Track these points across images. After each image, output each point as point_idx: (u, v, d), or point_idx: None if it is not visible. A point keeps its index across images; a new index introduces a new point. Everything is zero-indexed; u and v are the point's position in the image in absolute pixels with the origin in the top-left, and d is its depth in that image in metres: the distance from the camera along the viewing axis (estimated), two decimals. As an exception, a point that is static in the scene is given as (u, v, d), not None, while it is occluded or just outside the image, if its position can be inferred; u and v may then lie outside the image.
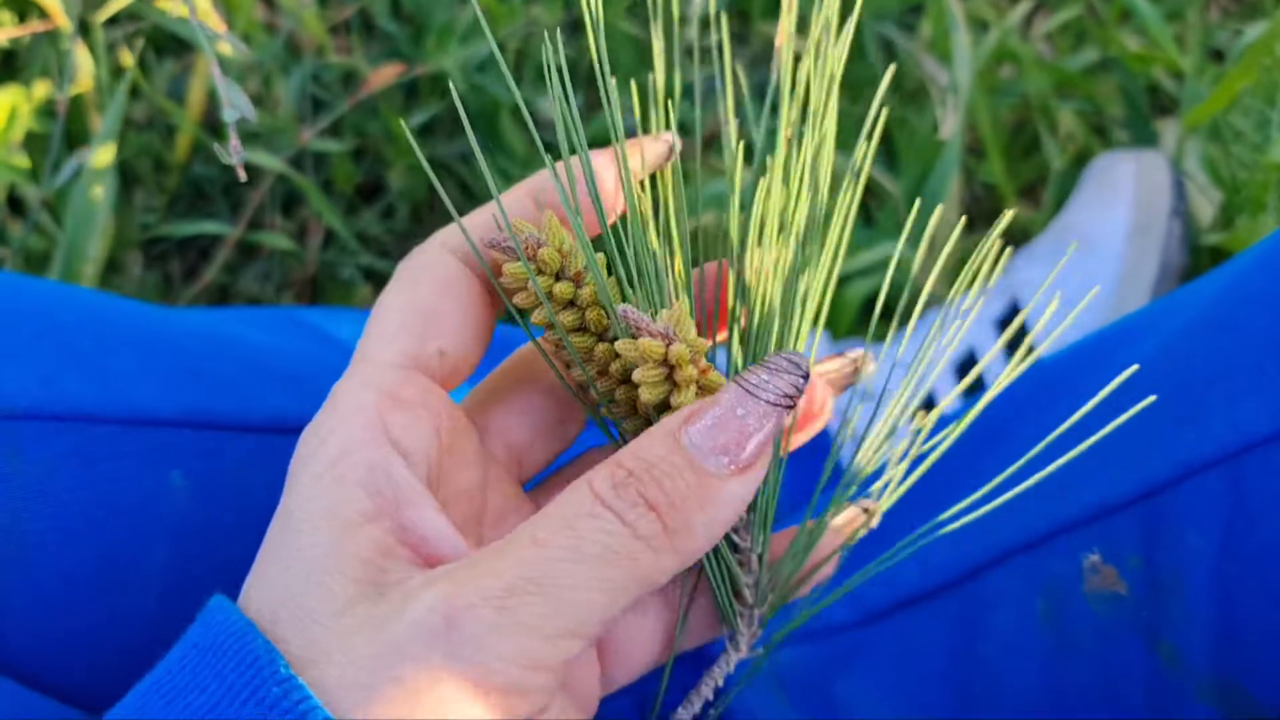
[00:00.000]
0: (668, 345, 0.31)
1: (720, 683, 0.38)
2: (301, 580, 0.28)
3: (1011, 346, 0.77)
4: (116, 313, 0.48)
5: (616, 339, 0.33)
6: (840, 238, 0.37)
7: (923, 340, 0.78)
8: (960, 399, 0.75)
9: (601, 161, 0.35)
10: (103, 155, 0.68)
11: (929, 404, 0.75)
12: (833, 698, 0.53)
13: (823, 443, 0.72)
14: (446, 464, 0.33)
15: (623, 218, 0.35)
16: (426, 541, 0.30)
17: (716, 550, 0.35)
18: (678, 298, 0.35)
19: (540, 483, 0.38)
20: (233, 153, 0.46)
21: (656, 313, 0.34)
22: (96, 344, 0.46)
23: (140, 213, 0.83)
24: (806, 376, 0.29)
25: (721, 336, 0.37)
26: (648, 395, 0.31)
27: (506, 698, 0.27)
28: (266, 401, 0.47)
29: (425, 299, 0.33)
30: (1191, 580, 0.45)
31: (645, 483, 0.28)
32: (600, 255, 0.34)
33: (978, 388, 0.76)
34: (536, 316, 0.34)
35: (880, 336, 0.83)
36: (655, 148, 0.36)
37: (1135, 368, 0.37)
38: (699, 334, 0.37)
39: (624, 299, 0.34)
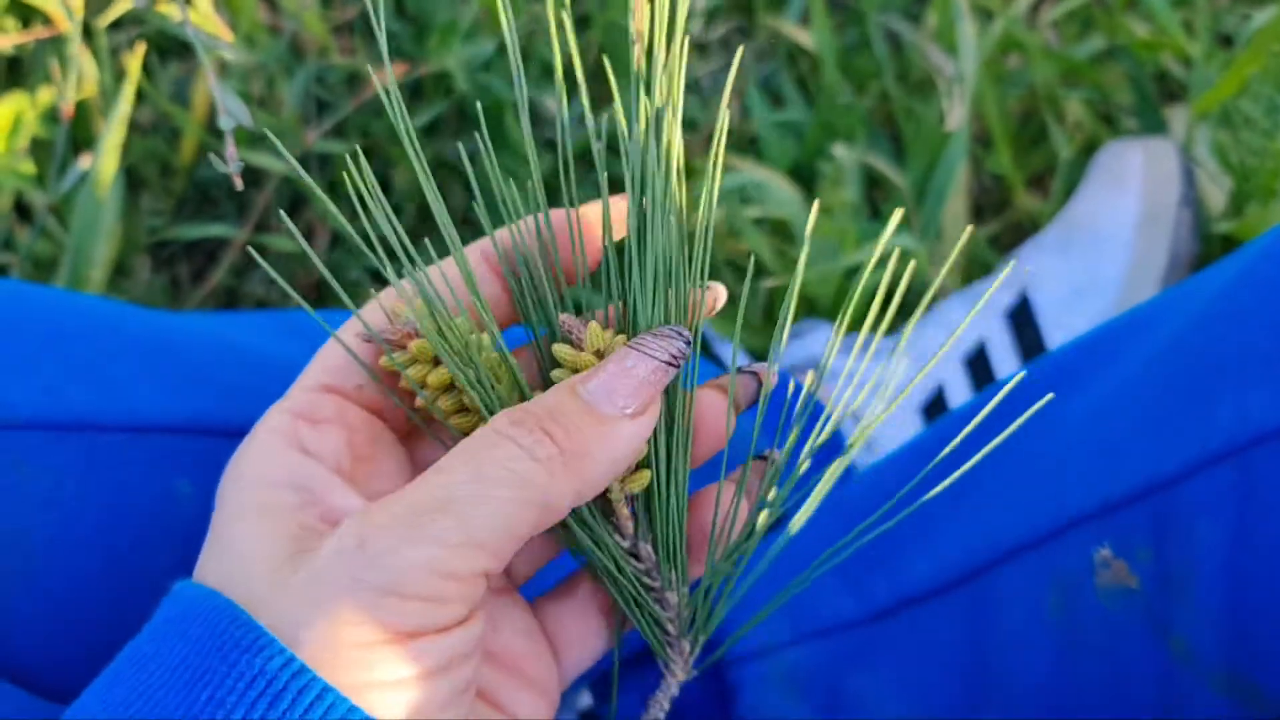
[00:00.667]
0: (576, 353, 0.34)
1: (667, 707, 0.40)
2: (240, 559, 0.31)
3: (1022, 337, 0.77)
4: (120, 320, 0.48)
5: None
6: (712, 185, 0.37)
7: (931, 335, 0.78)
8: (969, 390, 0.75)
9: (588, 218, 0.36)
10: (107, 159, 0.69)
11: (939, 396, 0.75)
12: (844, 694, 0.52)
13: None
14: (363, 470, 0.35)
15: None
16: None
17: (636, 596, 0.38)
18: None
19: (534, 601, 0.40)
20: (229, 160, 0.46)
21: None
22: (100, 352, 0.46)
23: (147, 216, 0.83)
24: (689, 343, 0.33)
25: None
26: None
27: (423, 604, 0.29)
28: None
29: (349, 342, 0.36)
30: (1203, 573, 0.44)
31: (543, 418, 0.31)
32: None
33: (986, 380, 0.75)
34: (422, 402, 0.35)
35: (889, 331, 0.83)
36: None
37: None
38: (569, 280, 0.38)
39: (511, 376, 0.35)
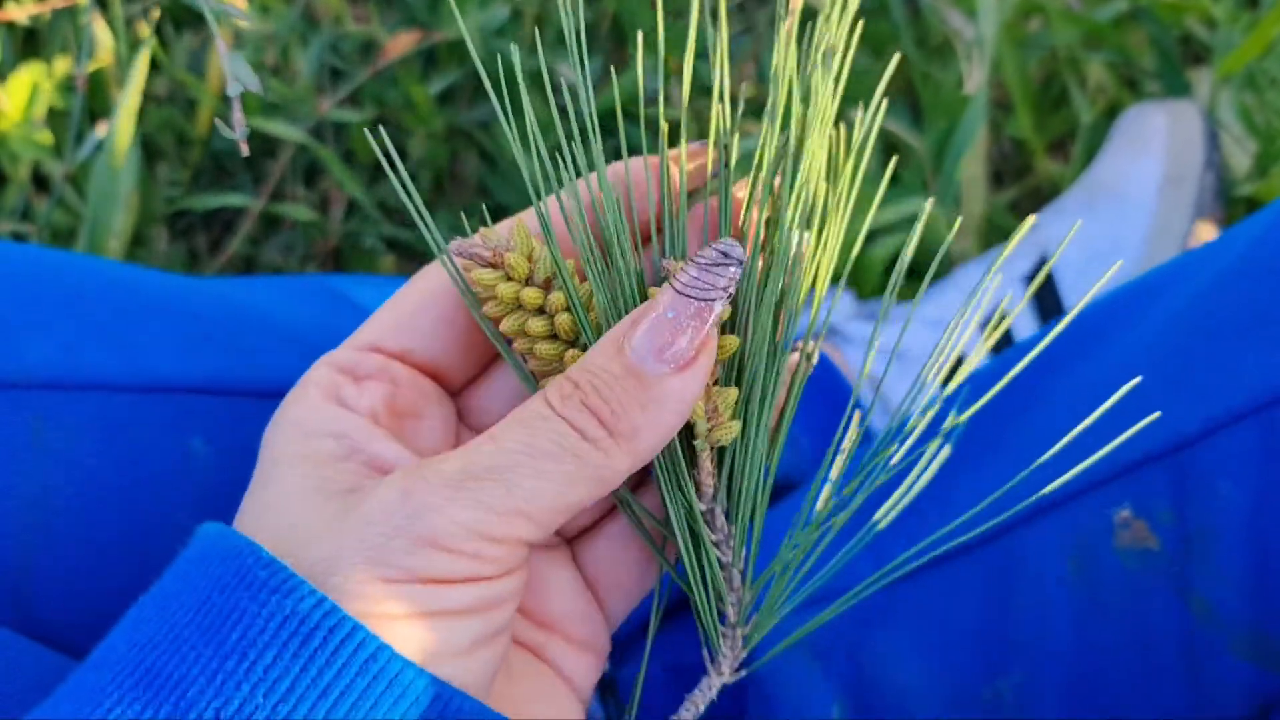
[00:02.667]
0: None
1: (701, 708, 0.38)
2: (279, 499, 0.31)
3: (1040, 302, 0.76)
4: (138, 282, 0.48)
5: (586, 346, 0.34)
6: (850, 190, 0.36)
7: (949, 300, 0.77)
8: (989, 355, 0.74)
9: (638, 169, 0.35)
10: (123, 127, 0.69)
11: (959, 362, 0.74)
12: (863, 656, 0.52)
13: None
14: (408, 425, 0.35)
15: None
16: (396, 468, 0.33)
17: (702, 566, 0.36)
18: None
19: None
20: (236, 127, 0.46)
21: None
22: (117, 313, 0.46)
23: (164, 187, 0.83)
24: (740, 263, 0.31)
25: None
26: (506, 326, 0.33)
27: (461, 558, 0.29)
28: (286, 367, 0.48)
29: (405, 303, 0.35)
30: (1224, 532, 0.44)
31: (588, 392, 0.30)
32: (571, 263, 0.34)
33: (1006, 344, 0.75)
34: (509, 324, 0.34)
35: (907, 295, 0.82)
36: (695, 160, 0.36)
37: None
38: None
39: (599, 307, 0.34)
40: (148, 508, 0.43)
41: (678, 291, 0.30)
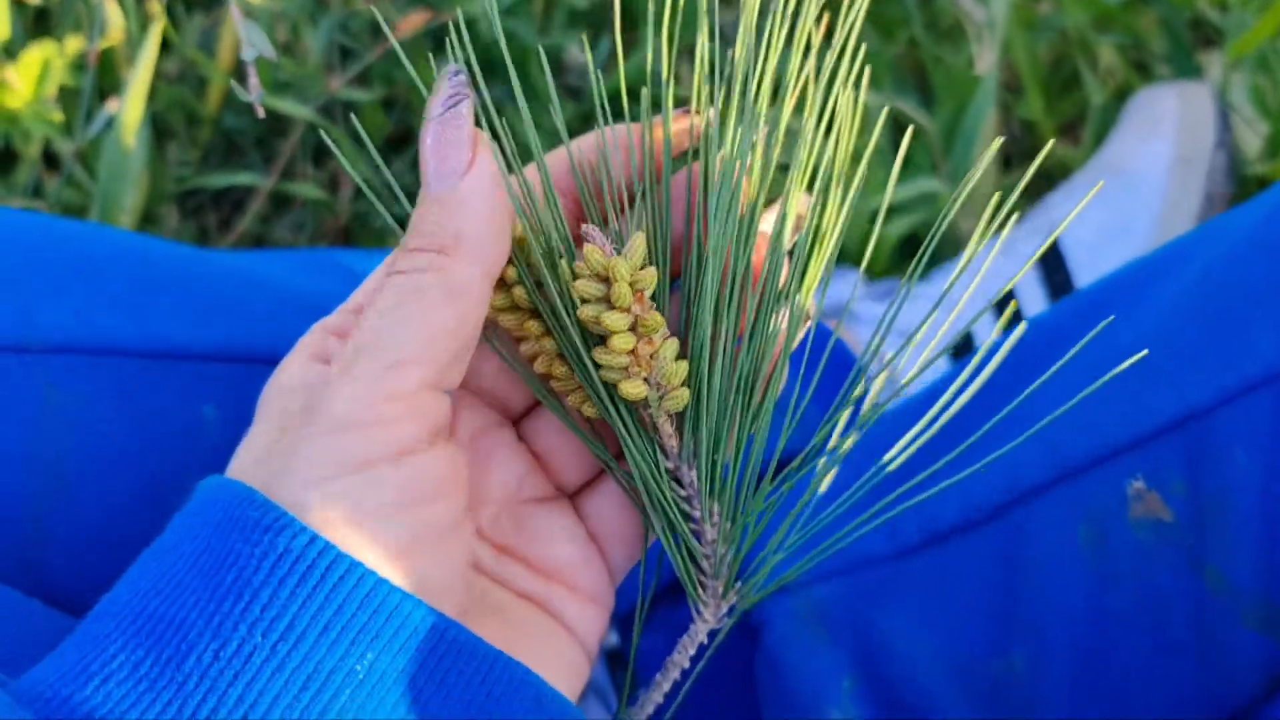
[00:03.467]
0: (609, 257, 0.32)
1: (693, 651, 0.39)
2: (248, 454, 0.31)
3: (1050, 282, 0.76)
4: (150, 251, 0.48)
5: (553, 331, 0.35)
6: (849, 157, 0.37)
7: (957, 278, 0.77)
8: (999, 332, 0.74)
9: (593, 148, 0.36)
10: (132, 104, 0.69)
11: (968, 340, 0.74)
12: (871, 631, 0.52)
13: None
14: None
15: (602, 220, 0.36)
16: None
17: (672, 525, 0.37)
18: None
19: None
20: (251, 91, 0.46)
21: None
22: (130, 280, 0.46)
23: (174, 166, 0.83)
24: (458, 73, 0.32)
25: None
26: (584, 312, 0.33)
27: (372, 429, 0.30)
28: (298, 335, 0.48)
29: None
30: (1238, 503, 0.44)
31: (409, 239, 0.32)
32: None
33: (1015, 322, 0.75)
34: (503, 320, 0.35)
35: (918, 274, 0.82)
36: (676, 125, 0.37)
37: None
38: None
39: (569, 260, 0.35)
40: (160, 472, 0.43)
41: (430, 120, 0.32)
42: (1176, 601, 0.46)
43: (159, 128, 0.84)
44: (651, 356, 0.34)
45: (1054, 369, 0.37)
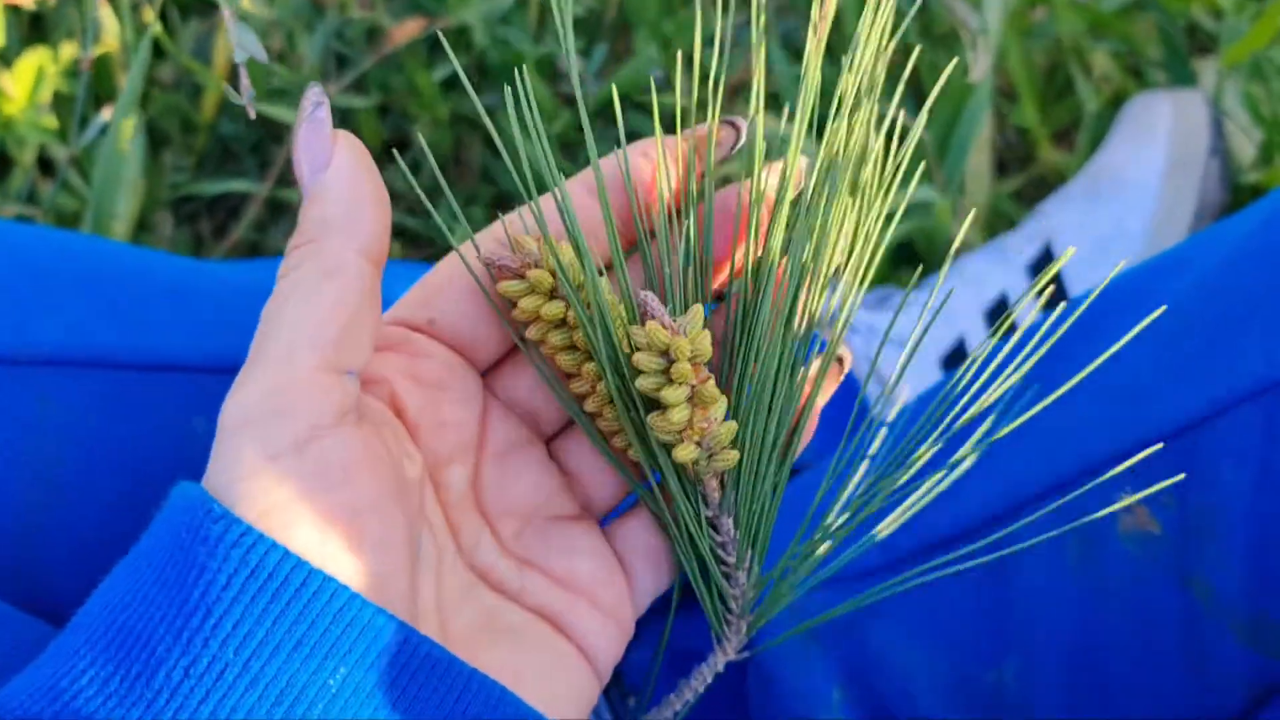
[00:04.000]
0: (672, 335, 0.33)
1: (710, 679, 0.40)
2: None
3: (1044, 296, 0.76)
4: (145, 263, 0.48)
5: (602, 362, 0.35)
6: (877, 190, 0.37)
7: (951, 288, 0.77)
8: (991, 341, 0.74)
9: (639, 157, 0.36)
10: (127, 110, 0.69)
11: (960, 349, 0.74)
12: (863, 641, 0.52)
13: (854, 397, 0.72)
14: (432, 395, 0.36)
15: (649, 234, 0.37)
16: None
17: (704, 566, 0.38)
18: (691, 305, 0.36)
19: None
20: (242, 91, 0.47)
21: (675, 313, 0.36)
22: (126, 294, 0.46)
23: (170, 173, 0.83)
24: (315, 86, 0.34)
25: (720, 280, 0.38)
26: (643, 383, 0.34)
27: (279, 419, 0.30)
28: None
29: (433, 279, 0.37)
30: (1227, 517, 0.44)
31: (289, 243, 0.33)
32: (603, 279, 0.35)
33: (1009, 331, 0.75)
34: (533, 333, 0.36)
35: (907, 283, 0.82)
36: (722, 134, 0.37)
37: (1162, 309, 0.38)
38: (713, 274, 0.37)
39: (630, 314, 0.35)
40: (152, 485, 0.43)
41: (297, 130, 0.33)
42: (1165, 615, 0.46)
43: (154, 135, 0.84)
44: (705, 425, 0.35)
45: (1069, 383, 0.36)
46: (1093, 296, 0.37)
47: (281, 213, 0.86)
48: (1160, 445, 0.46)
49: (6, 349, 0.43)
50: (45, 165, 0.81)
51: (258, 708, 0.27)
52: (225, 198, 0.87)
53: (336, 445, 0.30)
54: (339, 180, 0.32)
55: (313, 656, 0.28)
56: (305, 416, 0.30)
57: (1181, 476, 0.38)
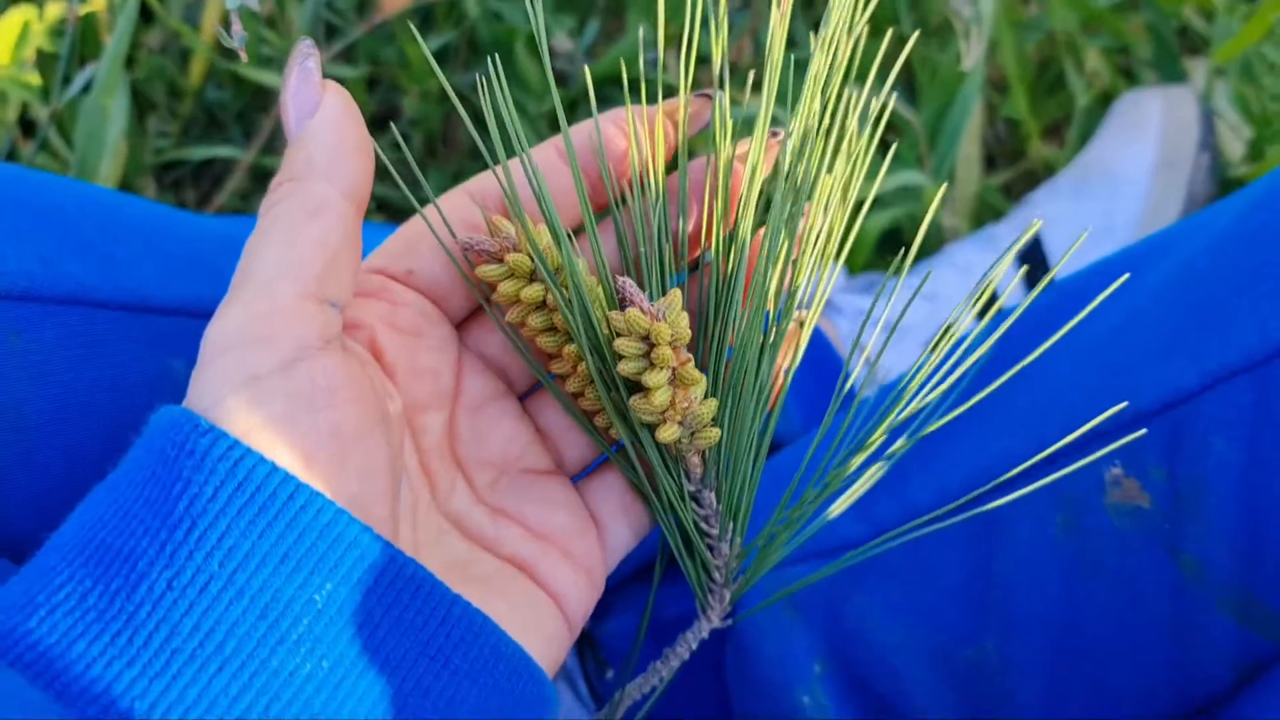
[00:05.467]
0: (652, 320, 0.34)
1: (694, 646, 0.41)
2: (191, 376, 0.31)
3: (1030, 279, 0.76)
4: (123, 205, 0.48)
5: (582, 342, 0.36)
6: (857, 165, 0.38)
7: (941, 275, 0.77)
8: (976, 324, 0.74)
9: (610, 125, 0.37)
10: (112, 66, 0.68)
11: (948, 329, 0.74)
12: (843, 614, 0.52)
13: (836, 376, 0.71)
14: (408, 342, 0.36)
15: (619, 201, 0.37)
16: None
17: (687, 539, 0.39)
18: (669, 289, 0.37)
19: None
20: (234, 35, 0.46)
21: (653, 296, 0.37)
22: (101, 231, 0.45)
23: (154, 138, 0.82)
24: (306, 39, 0.34)
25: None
26: (625, 368, 0.34)
27: (264, 345, 0.30)
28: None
29: (410, 229, 0.37)
30: (1216, 490, 0.44)
31: (274, 180, 0.34)
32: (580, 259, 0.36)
33: (996, 316, 0.74)
34: (512, 315, 0.37)
35: (898, 269, 0.82)
36: (696, 106, 0.38)
37: (1125, 276, 0.40)
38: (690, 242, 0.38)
39: (607, 295, 0.36)
40: (126, 427, 0.42)
41: (287, 78, 0.34)
42: (1152, 588, 0.46)
43: (140, 99, 0.83)
44: (686, 405, 0.35)
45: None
46: (1038, 289, 0.36)
47: (265, 180, 0.85)
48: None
49: None
50: (27, 128, 0.80)
51: (242, 621, 0.27)
52: (209, 165, 0.86)
53: (321, 368, 0.30)
54: (325, 126, 0.33)
55: (299, 570, 0.28)
56: (290, 340, 0.30)
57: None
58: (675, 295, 0.34)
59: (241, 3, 0.46)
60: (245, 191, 0.84)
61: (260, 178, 0.85)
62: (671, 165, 0.38)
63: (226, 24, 0.80)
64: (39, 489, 0.41)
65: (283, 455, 0.28)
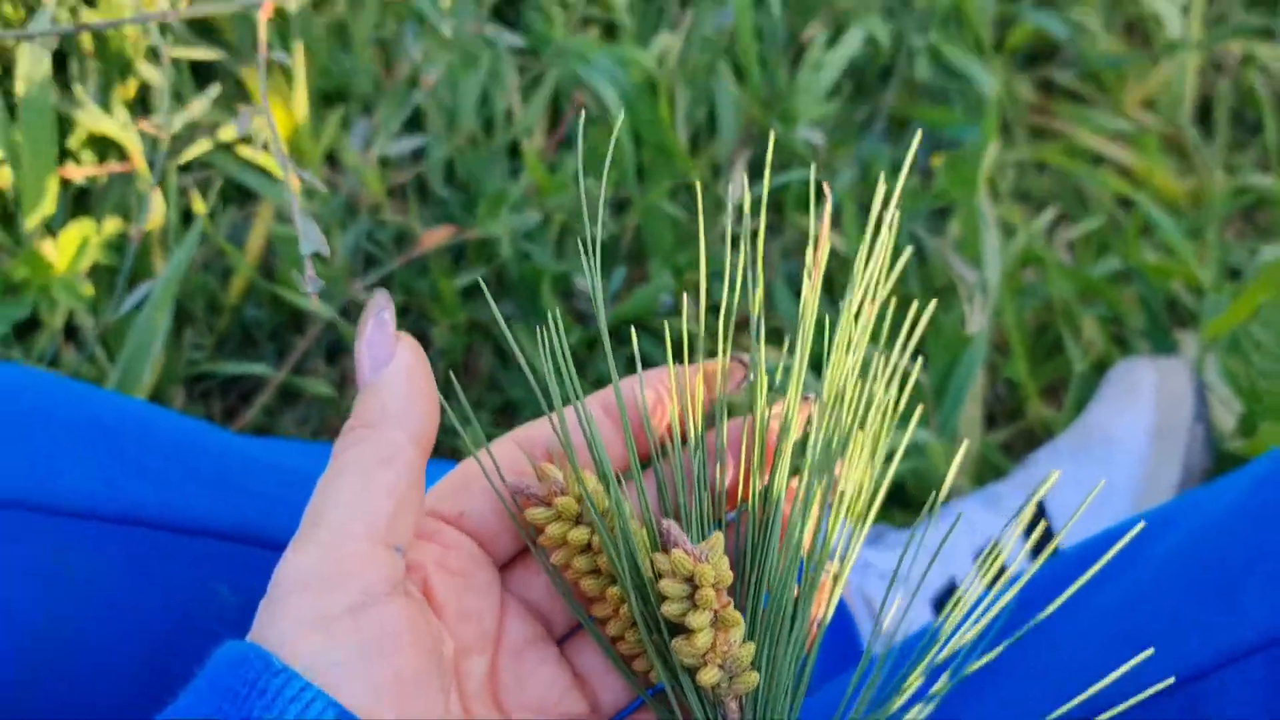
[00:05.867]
0: (696, 562, 0.35)
1: None
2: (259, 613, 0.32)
3: (1034, 546, 0.78)
4: (158, 419, 0.50)
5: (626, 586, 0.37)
6: (880, 433, 0.40)
7: (945, 531, 0.78)
8: (979, 583, 0.75)
9: (651, 393, 0.39)
10: (170, 288, 0.71)
11: (951, 587, 0.75)
12: None
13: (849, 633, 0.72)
14: (456, 582, 0.37)
15: (660, 451, 0.39)
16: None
17: None
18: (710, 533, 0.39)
19: None
20: (308, 283, 0.49)
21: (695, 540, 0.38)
22: (148, 449, 0.47)
23: (189, 350, 0.85)
24: (382, 291, 0.37)
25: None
26: (669, 609, 0.35)
27: (326, 587, 0.32)
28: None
29: (463, 471, 0.39)
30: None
31: (347, 423, 0.35)
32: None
33: (998, 579, 0.75)
34: (558, 558, 0.38)
35: (905, 524, 0.84)
36: (733, 370, 0.40)
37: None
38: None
39: (652, 541, 0.37)
40: (167, 648, 0.42)
41: (363, 327, 0.36)
42: None
43: (178, 312, 0.87)
44: (726, 648, 0.36)
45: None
46: (1039, 563, 0.38)
47: (293, 400, 0.88)
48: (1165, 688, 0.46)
49: (34, 495, 0.43)
50: (69, 332, 0.83)
51: None
52: (239, 380, 0.88)
53: (388, 614, 0.31)
54: (399, 376, 0.35)
55: None
56: (360, 584, 0.31)
57: None
58: (718, 539, 0.36)
59: (314, 249, 0.50)
60: (273, 409, 0.86)
61: (288, 397, 0.88)
62: (706, 419, 0.40)
63: (268, 271, 0.84)
64: (75, 704, 0.41)
65: (349, 699, 0.29)
